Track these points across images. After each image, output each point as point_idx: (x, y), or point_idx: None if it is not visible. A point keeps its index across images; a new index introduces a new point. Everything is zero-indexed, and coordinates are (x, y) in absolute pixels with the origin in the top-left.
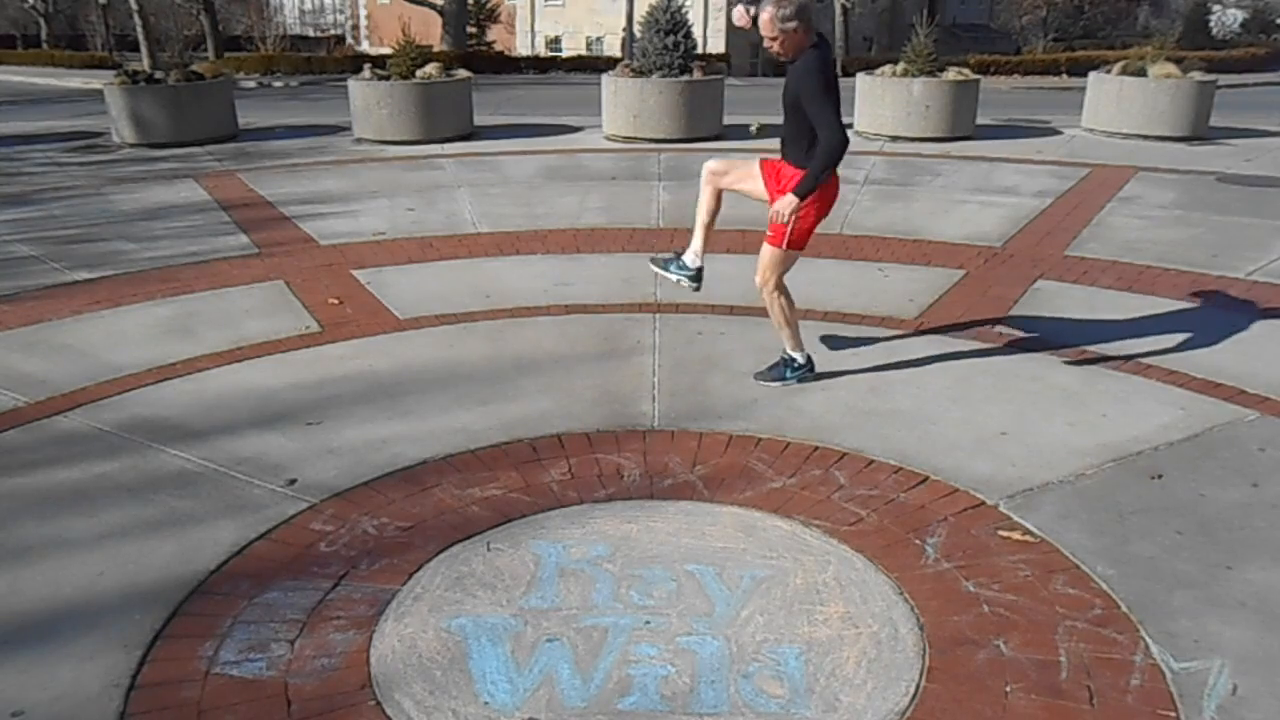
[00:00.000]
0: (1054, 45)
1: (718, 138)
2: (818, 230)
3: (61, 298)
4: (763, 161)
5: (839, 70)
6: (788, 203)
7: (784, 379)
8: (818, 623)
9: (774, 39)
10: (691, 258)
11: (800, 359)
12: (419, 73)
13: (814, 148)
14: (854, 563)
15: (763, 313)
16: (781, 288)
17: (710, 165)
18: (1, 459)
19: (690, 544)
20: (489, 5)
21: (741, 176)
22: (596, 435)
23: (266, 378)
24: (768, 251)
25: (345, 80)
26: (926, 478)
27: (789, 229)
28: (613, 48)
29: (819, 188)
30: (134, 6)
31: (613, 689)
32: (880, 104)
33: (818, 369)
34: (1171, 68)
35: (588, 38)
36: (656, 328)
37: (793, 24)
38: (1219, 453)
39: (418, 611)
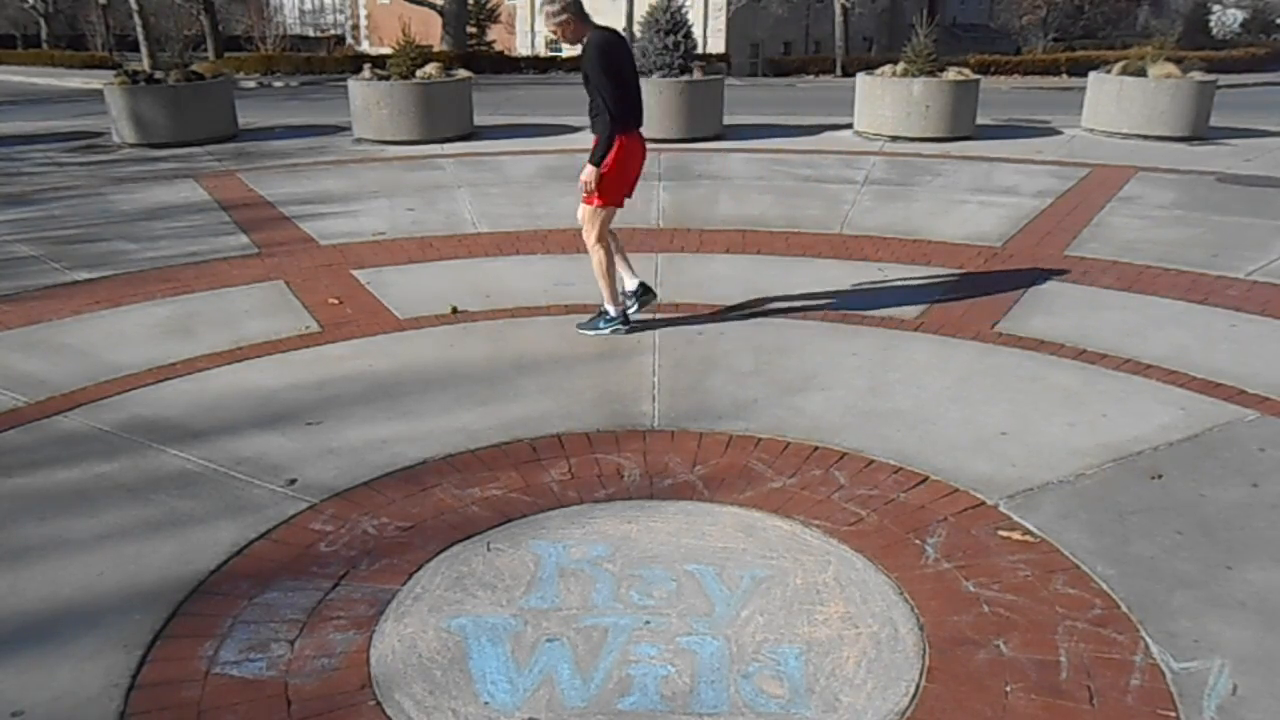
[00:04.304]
0: (1054, 45)
1: (718, 137)
2: (817, 230)
3: (61, 298)
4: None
5: (839, 70)
6: (588, 173)
7: (597, 329)
8: (818, 623)
9: (554, 30)
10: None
11: (613, 311)
12: (419, 73)
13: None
14: (854, 563)
15: (762, 313)
16: (604, 242)
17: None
18: (1, 459)
19: (690, 544)
20: (489, 5)
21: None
22: (596, 435)
23: (266, 378)
24: (586, 210)
25: (345, 80)
26: (926, 478)
27: (595, 192)
28: None
29: (614, 149)
30: (134, 6)
31: (613, 689)
32: (880, 104)
33: (818, 368)
34: (1171, 68)
35: None
36: (657, 328)
37: (561, 16)
38: (1219, 453)
39: (418, 611)
